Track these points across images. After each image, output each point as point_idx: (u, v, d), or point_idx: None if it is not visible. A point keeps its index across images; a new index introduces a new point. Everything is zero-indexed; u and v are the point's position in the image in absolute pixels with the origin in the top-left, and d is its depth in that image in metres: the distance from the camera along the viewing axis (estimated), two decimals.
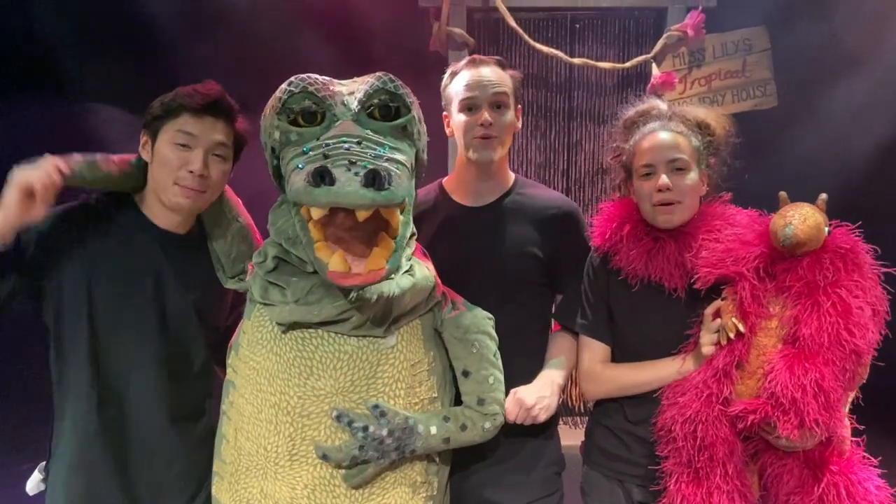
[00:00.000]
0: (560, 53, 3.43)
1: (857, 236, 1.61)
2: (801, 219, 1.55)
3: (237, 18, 3.39)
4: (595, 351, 1.87)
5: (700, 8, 3.43)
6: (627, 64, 3.49)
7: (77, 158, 1.62)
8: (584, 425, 2.07)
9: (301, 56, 3.36)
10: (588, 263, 1.95)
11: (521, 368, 1.86)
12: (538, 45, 3.44)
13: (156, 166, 1.68)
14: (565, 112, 3.61)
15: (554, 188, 3.62)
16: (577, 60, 3.46)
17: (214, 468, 1.67)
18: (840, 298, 1.52)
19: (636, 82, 3.58)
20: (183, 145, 1.66)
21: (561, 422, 2.98)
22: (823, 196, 1.63)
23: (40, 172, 1.49)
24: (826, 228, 1.58)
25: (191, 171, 1.65)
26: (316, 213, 1.41)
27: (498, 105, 1.88)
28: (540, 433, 1.93)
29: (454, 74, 1.97)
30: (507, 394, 1.75)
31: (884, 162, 3.46)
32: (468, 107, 1.90)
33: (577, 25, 3.57)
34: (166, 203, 1.69)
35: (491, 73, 1.90)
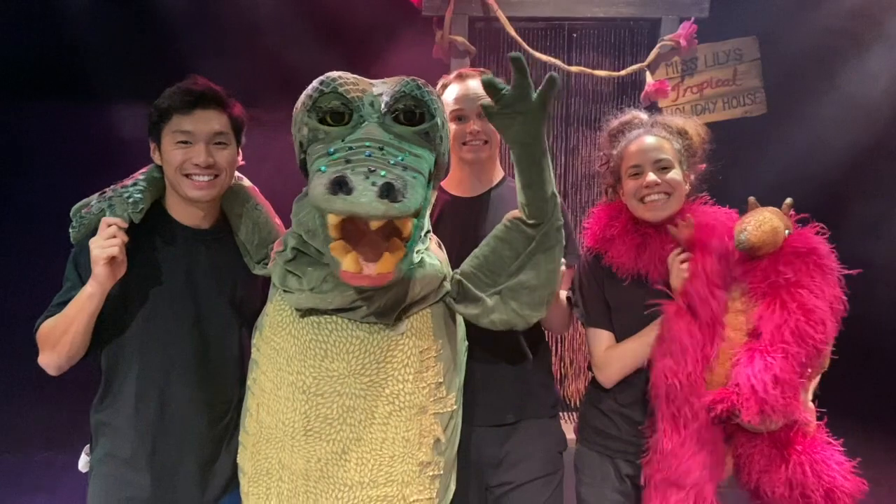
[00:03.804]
0: (558, 61, 3.57)
1: (819, 238, 1.74)
2: (756, 225, 1.69)
3: (254, 27, 3.52)
4: (601, 339, 2.00)
5: (692, 19, 3.57)
6: (622, 72, 3.63)
7: (126, 192, 1.75)
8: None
9: (313, 60, 3.49)
10: (582, 263, 2.08)
11: (506, 337, 1.97)
12: (537, 54, 3.57)
13: (167, 167, 1.78)
14: (562, 118, 3.74)
15: None
16: (574, 68, 3.59)
17: (240, 438, 1.77)
18: (800, 297, 1.65)
19: (631, 90, 3.70)
20: (183, 142, 1.75)
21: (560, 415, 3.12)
22: (788, 201, 1.77)
23: (113, 240, 1.64)
24: (786, 231, 1.71)
25: (196, 164, 1.74)
26: (332, 220, 1.48)
27: None
28: (544, 414, 2.06)
29: (444, 87, 2.12)
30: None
31: (864, 164, 3.59)
32: (458, 117, 2.05)
33: (575, 35, 3.70)
34: (184, 197, 1.79)
35: (477, 85, 2.04)
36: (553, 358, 3.89)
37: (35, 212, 3.96)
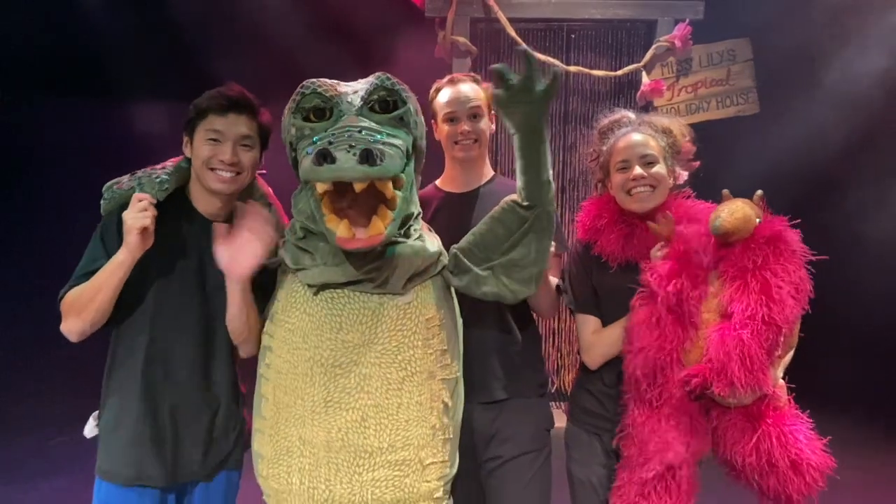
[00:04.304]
0: (556, 62, 3.68)
1: (787, 226, 1.85)
2: (729, 212, 1.81)
3: (267, 32, 3.64)
4: (588, 324, 2.10)
5: (687, 21, 3.70)
6: (619, 72, 3.76)
7: (154, 174, 1.89)
8: None
9: (320, 62, 3.61)
10: (572, 253, 2.19)
11: (496, 321, 2.09)
12: (536, 54, 3.65)
13: (195, 160, 1.92)
14: (561, 116, 3.86)
15: None
16: (572, 68, 3.71)
17: (255, 426, 1.84)
18: (765, 280, 1.76)
19: (627, 89, 3.83)
20: (214, 140, 1.89)
21: (554, 405, 3.21)
22: (759, 192, 1.88)
23: (146, 213, 1.78)
24: (756, 220, 1.82)
25: (222, 161, 1.88)
26: (321, 188, 1.62)
27: (474, 115, 2.17)
28: (532, 393, 2.16)
29: (438, 90, 2.25)
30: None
31: (849, 157, 3.71)
32: (450, 119, 2.18)
33: (573, 36, 3.83)
34: (207, 188, 1.92)
35: (468, 89, 2.18)
36: (550, 349, 4.02)
37: (62, 201, 4.08)
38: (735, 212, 1.80)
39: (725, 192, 1.90)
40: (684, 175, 3.88)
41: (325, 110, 1.72)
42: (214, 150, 1.87)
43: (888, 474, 4.34)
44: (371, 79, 1.76)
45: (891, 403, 5.12)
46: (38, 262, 4.28)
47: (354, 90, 1.76)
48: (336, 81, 1.79)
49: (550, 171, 1.78)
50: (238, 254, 1.78)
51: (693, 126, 3.69)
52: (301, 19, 3.75)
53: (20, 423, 4.83)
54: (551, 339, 3.99)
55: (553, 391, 3.89)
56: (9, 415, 4.91)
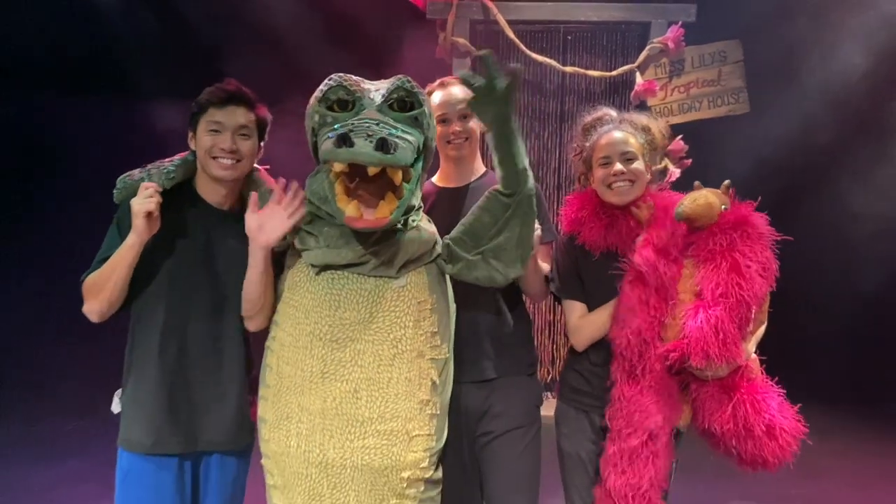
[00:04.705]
0: (553, 62, 3.82)
1: (752, 211, 1.98)
2: (692, 200, 1.95)
3: (276, 34, 3.79)
4: (575, 308, 2.24)
5: (680, 23, 3.84)
6: (614, 73, 3.89)
7: (163, 166, 2.05)
8: None
9: (327, 61, 3.76)
10: (558, 244, 2.33)
11: (488, 305, 2.22)
12: (534, 55, 3.83)
13: (199, 151, 2.08)
14: (557, 115, 3.99)
15: (546, 184, 4.04)
16: (568, 69, 3.85)
17: (260, 393, 2.00)
18: (734, 260, 1.90)
19: (622, 89, 3.96)
20: (214, 131, 2.04)
21: (551, 395, 3.33)
22: (726, 182, 2.01)
23: (151, 199, 1.93)
24: (722, 207, 1.95)
25: (223, 149, 2.04)
26: (338, 167, 1.78)
27: (464, 116, 2.30)
28: (522, 372, 2.29)
29: (430, 93, 2.38)
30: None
31: (834, 153, 3.84)
32: (442, 120, 2.30)
33: (570, 37, 3.96)
34: (211, 176, 2.07)
35: (458, 91, 2.30)
36: (546, 342, 4.15)
37: (83, 194, 4.26)
38: (697, 199, 1.93)
39: (697, 183, 2.04)
40: (676, 173, 4.00)
41: (348, 102, 1.88)
42: (215, 140, 2.02)
43: (874, 461, 4.47)
44: (393, 80, 1.92)
45: (879, 394, 5.26)
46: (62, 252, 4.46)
47: (377, 88, 1.92)
48: (360, 78, 1.95)
49: (526, 160, 1.92)
50: (266, 222, 1.93)
51: (685, 125, 3.86)
52: (310, 23, 3.90)
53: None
54: (547, 332, 4.12)
55: (549, 381, 4.01)
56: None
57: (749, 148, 3.89)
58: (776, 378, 2.00)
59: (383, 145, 1.71)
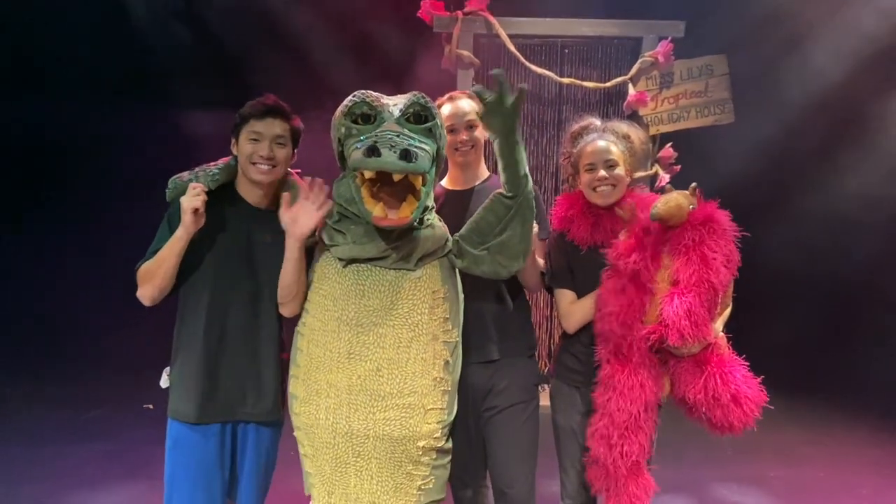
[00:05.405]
0: (551, 74, 4.09)
1: (717, 209, 2.21)
2: (664, 202, 2.19)
3: (296, 51, 4.04)
4: (565, 296, 2.50)
5: (670, 38, 4.10)
6: (608, 84, 4.16)
7: (208, 169, 2.30)
8: None
9: (344, 70, 4.03)
10: (551, 240, 2.60)
11: (492, 294, 2.46)
12: (533, 67, 4.09)
13: (240, 157, 2.33)
14: (555, 123, 4.26)
15: (544, 186, 4.31)
16: (565, 80, 4.12)
17: (291, 372, 2.23)
18: (703, 253, 2.16)
19: (615, 99, 4.22)
20: (254, 140, 2.29)
21: (548, 387, 3.56)
22: (692, 185, 2.27)
23: (198, 198, 2.18)
24: (690, 207, 2.21)
25: (261, 156, 2.28)
26: (367, 174, 2.02)
27: (470, 126, 2.54)
28: (522, 353, 2.55)
29: (439, 106, 2.60)
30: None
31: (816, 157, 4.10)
32: (450, 130, 2.54)
33: (567, 51, 4.22)
34: (250, 180, 2.32)
35: (465, 104, 2.55)
36: (544, 336, 4.39)
37: (132, 191, 4.50)
38: (669, 201, 2.18)
39: (668, 186, 2.31)
40: (666, 178, 4.27)
41: (370, 116, 2.12)
42: (255, 148, 2.27)
43: (848, 449, 4.72)
44: (409, 96, 2.16)
45: (853, 385, 5.51)
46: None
47: (395, 103, 2.15)
48: (379, 94, 2.19)
49: (527, 167, 2.17)
50: (299, 216, 2.17)
51: (674, 133, 4.12)
52: (327, 32, 4.15)
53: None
54: (545, 326, 4.37)
55: (544, 373, 4.26)
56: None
57: (733, 154, 4.16)
58: (743, 355, 2.25)
59: (406, 155, 1.96)
